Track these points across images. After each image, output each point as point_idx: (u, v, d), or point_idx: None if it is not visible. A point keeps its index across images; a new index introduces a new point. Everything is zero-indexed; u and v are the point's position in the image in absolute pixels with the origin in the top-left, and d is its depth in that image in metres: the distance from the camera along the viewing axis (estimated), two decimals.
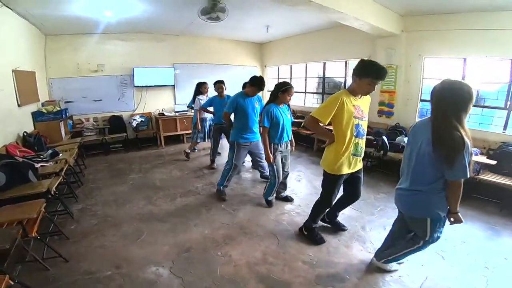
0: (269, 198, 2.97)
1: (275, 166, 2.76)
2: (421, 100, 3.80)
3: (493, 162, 2.92)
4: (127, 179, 3.93)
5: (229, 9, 3.58)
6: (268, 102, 2.70)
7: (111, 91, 5.55)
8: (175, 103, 6.20)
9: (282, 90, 2.60)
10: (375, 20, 3.36)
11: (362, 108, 1.96)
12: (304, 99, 6.05)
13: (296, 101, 6.21)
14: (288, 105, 2.82)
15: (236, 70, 6.81)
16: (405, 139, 3.59)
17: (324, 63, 5.37)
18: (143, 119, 5.66)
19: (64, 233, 2.39)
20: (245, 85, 3.79)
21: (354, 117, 1.89)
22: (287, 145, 2.85)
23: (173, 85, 6.13)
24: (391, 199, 2.62)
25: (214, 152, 4.34)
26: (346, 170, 2.01)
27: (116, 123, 5.49)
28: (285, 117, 2.70)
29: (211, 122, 4.62)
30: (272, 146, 2.70)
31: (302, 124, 4.94)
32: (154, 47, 5.77)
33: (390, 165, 3.80)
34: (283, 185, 3.10)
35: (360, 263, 2.06)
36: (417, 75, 3.79)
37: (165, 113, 5.67)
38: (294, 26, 5.05)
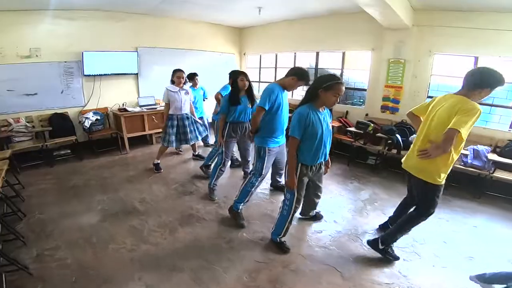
0: (279, 240, 2.15)
1: (295, 195, 1.97)
2: (428, 97, 3.71)
3: (508, 161, 2.97)
4: (92, 202, 2.89)
5: None
6: (301, 103, 1.89)
7: (51, 82, 4.14)
8: (138, 96, 5.04)
9: (326, 87, 1.74)
10: (398, 9, 3.04)
11: None
12: (292, 92, 5.57)
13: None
14: (331, 110, 2.19)
15: (212, 57, 5.92)
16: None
17: (317, 53, 4.95)
18: (98, 117, 4.41)
19: None
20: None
21: None
22: (320, 166, 2.06)
23: (137, 74, 4.95)
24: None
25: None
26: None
27: (60, 123, 4.14)
28: (326, 127, 1.90)
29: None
30: (298, 168, 1.92)
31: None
32: (112, 27, 4.51)
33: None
34: (314, 205, 2.44)
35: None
36: (426, 71, 3.65)
37: (128, 109, 4.51)
38: (288, 10, 4.46)
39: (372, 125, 3.78)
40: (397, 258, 2.04)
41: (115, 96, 4.76)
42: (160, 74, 5.14)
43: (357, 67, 4.77)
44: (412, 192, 2.10)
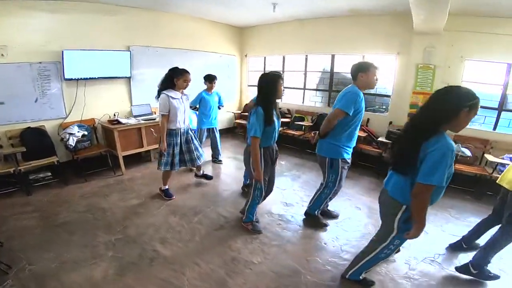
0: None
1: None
2: None
3: None
4: (97, 245, 2.24)
5: None
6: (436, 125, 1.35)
7: (22, 88, 3.29)
8: (131, 104, 4.31)
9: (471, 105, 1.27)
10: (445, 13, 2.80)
11: None
12: (303, 96, 5.22)
13: (292, 98, 5.35)
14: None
15: (212, 59, 5.34)
16: (462, 149, 3.30)
17: (333, 56, 4.64)
18: (84, 132, 3.63)
19: None
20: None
21: None
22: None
23: (129, 77, 4.21)
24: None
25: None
26: None
27: (35, 140, 3.31)
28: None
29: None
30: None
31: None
32: (100, 22, 3.76)
33: None
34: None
35: None
36: (456, 77, 3.50)
37: (121, 120, 3.78)
38: (303, 8, 4.08)
39: None
40: (498, 277, 1.89)
41: (103, 104, 3.99)
42: (156, 78, 4.42)
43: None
44: (500, 211, 1.96)
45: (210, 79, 3.75)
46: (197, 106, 3.81)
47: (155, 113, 4.30)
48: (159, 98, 2.73)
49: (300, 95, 5.22)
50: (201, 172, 3.54)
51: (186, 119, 2.92)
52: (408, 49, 3.74)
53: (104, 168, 3.80)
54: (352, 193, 3.30)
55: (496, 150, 3.30)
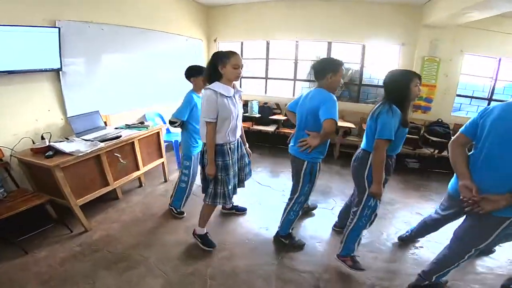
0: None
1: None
2: (457, 95, 3.78)
3: None
4: None
5: None
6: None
7: None
8: (66, 115, 2.64)
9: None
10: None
11: None
12: (294, 88, 4.56)
13: (281, 91, 4.63)
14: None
15: (177, 43, 3.95)
16: None
17: (330, 44, 4.13)
18: None
19: None
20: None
21: None
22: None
23: (58, 70, 2.51)
24: None
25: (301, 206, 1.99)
26: None
27: None
28: None
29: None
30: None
31: None
32: None
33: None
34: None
35: None
36: (456, 70, 3.64)
37: (57, 146, 2.12)
38: None
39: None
40: None
41: (16, 120, 2.24)
42: (105, 71, 2.92)
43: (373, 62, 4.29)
44: None
45: (201, 71, 2.19)
46: (183, 120, 2.23)
47: (106, 124, 2.81)
48: (203, 96, 1.70)
49: (290, 87, 4.56)
50: (231, 203, 2.40)
51: (239, 129, 1.92)
52: (414, 40, 3.65)
53: (49, 226, 2.18)
54: None
55: None
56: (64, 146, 2.15)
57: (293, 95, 4.56)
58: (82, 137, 2.41)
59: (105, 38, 2.85)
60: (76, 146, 2.21)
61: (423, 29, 3.52)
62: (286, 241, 2.07)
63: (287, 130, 4.22)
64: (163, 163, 3.12)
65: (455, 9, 2.67)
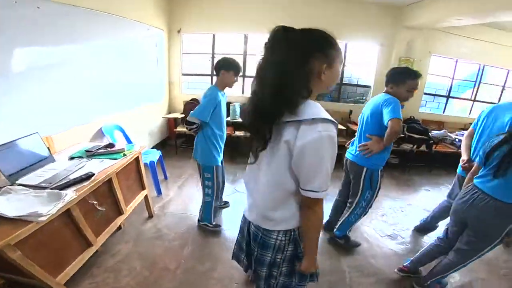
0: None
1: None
2: (425, 93, 4.14)
3: None
4: None
5: None
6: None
7: None
8: None
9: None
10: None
11: None
12: None
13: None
14: None
15: (137, 32, 3.02)
16: (450, 133, 3.83)
17: None
18: None
19: None
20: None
21: None
22: None
23: None
24: None
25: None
26: None
27: None
28: None
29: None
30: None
31: None
32: None
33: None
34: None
35: None
36: (425, 70, 3.95)
37: None
38: None
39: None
40: None
41: None
42: (41, 72, 1.95)
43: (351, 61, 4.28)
44: None
45: (238, 67, 1.84)
46: (207, 121, 1.83)
47: (50, 151, 1.91)
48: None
49: None
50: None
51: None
52: (392, 41, 3.77)
53: None
54: None
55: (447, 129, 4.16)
56: (4, 208, 1.26)
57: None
58: (21, 182, 1.50)
59: (41, 21, 1.84)
60: (25, 203, 1.33)
61: (402, 30, 3.66)
62: (341, 241, 2.04)
63: None
64: (146, 195, 2.34)
65: (445, 13, 2.78)
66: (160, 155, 2.97)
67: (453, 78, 4.15)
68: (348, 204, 1.97)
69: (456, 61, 4.06)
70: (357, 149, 1.77)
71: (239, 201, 2.69)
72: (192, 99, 4.02)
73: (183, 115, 3.89)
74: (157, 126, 3.86)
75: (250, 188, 0.96)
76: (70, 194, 1.44)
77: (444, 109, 4.35)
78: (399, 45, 3.75)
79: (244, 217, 1.03)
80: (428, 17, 3.12)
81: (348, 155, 1.92)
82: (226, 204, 2.56)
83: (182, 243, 2.03)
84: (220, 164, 2.07)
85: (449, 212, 1.59)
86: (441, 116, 4.27)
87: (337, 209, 2.14)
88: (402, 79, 1.69)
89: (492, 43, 3.84)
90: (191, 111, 1.84)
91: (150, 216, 2.40)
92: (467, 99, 4.37)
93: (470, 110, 4.38)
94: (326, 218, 2.24)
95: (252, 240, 0.97)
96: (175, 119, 3.96)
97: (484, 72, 4.17)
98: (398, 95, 1.69)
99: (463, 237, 1.47)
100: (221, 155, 2.06)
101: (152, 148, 3.60)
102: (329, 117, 0.74)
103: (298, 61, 0.72)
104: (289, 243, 0.90)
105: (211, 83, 4.24)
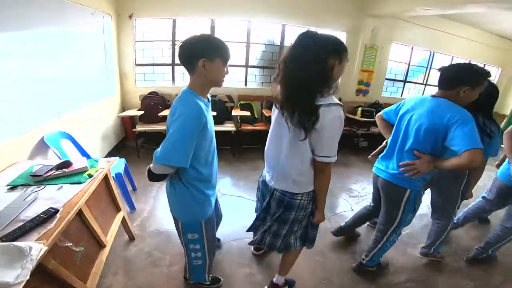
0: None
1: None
2: (386, 79, 4.39)
3: None
4: None
5: None
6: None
7: None
8: None
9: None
10: None
11: None
12: (246, 76, 3.92)
13: (231, 80, 3.92)
14: None
15: (80, 16, 2.44)
16: None
17: (284, 26, 3.68)
18: None
19: None
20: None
21: None
22: None
23: None
24: None
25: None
26: None
27: None
28: None
29: None
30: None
31: None
32: None
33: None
34: None
35: None
36: (386, 57, 4.16)
37: None
38: None
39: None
40: None
41: None
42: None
43: None
44: None
45: (226, 50, 1.12)
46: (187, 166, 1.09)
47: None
48: (333, 119, 0.99)
49: (241, 75, 3.91)
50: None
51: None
52: (358, 29, 3.84)
53: None
54: None
55: None
56: None
57: (245, 84, 3.99)
58: None
59: None
60: None
61: (367, 18, 3.74)
62: (373, 269, 1.79)
63: (249, 127, 3.67)
64: (123, 216, 1.99)
65: (414, 3, 2.89)
66: (125, 164, 2.54)
67: (409, 64, 4.50)
68: (379, 233, 1.65)
69: (412, 48, 4.39)
70: (399, 169, 1.39)
71: (240, 204, 2.51)
72: (151, 92, 3.56)
73: (142, 112, 3.37)
74: (110, 126, 3.27)
75: (273, 161, 1.19)
76: (36, 246, 1.09)
77: (402, 92, 4.73)
78: (365, 32, 3.85)
79: (264, 189, 1.31)
80: (396, 6, 3.22)
81: (380, 172, 1.55)
82: (218, 242, 1.96)
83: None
84: (213, 210, 1.32)
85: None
86: (399, 99, 4.61)
87: (360, 218, 1.99)
88: (479, 80, 1.22)
89: (443, 31, 4.23)
90: (156, 153, 1.03)
91: (132, 238, 2.07)
92: (420, 83, 4.82)
93: (423, 93, 4.86)
94: (340, 223, 2.13)
95: (276, 205, 1.23)
96: (132, 117, 3.47)
97: (434, 58, 4.62)
98: (465, 101, 1.26)
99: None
100: (216, 193, 1.40)
101: (107, 154, 3.09)
102: (339, 102, 0.99)
103: (321, 60, 0.94)
104: (309, 201, 1.19)
105: (172, 74, 3.79)
